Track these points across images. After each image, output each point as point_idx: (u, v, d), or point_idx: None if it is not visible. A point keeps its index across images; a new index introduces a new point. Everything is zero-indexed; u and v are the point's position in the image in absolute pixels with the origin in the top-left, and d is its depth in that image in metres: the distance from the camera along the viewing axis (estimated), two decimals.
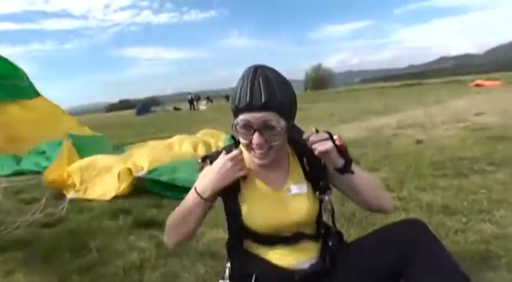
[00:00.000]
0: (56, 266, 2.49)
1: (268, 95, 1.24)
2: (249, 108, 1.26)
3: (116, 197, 4.03)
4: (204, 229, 2.94)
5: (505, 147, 4.83)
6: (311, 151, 1.31)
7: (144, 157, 4.40)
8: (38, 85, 7.73)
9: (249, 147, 1.34)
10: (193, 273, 2.25)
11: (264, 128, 1.27)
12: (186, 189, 1.49)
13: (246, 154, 1.42)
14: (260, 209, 1.39)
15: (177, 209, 1.43)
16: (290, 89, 1.33)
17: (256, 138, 1.28)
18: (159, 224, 3.13)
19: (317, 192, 1.42)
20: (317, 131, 1.27)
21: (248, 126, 1.28)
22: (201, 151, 5.59)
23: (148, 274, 2.29)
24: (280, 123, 1.27)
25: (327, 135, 1.26)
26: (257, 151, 1.32)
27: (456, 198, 3.08)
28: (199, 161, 1.49)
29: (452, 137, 6.17)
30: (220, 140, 6.50)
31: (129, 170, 4.09)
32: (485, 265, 2.00)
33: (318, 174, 1.42)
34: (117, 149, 6.79)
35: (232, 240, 1.46)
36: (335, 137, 1.28)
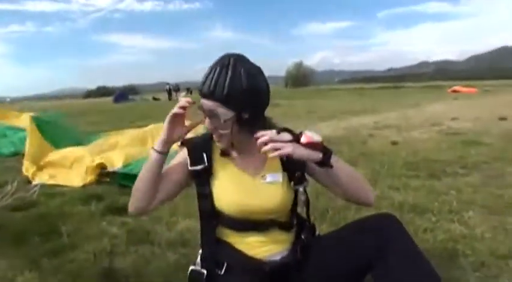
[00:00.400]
0: (26, 249, 2.44)
1: (216, 84, 1.27)
2: (201, 94, 1.32)
3: (89, 183, 3.98)
4: (176, 218, 2.93)
5: (478, 152, 4.97)
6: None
7: (119, 153, 4.33)
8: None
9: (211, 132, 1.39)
10: (164, 261, 2.24)
11: (210, 115, 1.32)
12: None
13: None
14: (233, 192, 1.40)
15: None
16: (256, 81, 1.30)
17: (206, 122, 1.35)
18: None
19: (292, 183, 1.43)
20: (278, 133, 1.22)
21: (203, 111, 1.34)
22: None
23: (119, 260, 2.26)
24: (226, 114, 1.29)
25: (286, 138, 1.22)
26: (215, 136, 1.38)
27: (427, 198, 3.15)
28: (179, 144, 1.46)
29: (427, 140, 6.31)
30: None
31: (101, 164, 4.07)
32: (453, 263, 2.05)
33: (295, 165, 1.41)
34: (88, 136, 6.64)
35: (204, 225, 1.45)
36: (304, 135, 1.25)
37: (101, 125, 10.80)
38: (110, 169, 3.98)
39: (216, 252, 1.42)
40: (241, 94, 1.28)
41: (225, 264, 1.39)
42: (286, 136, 1.22)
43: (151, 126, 6.61)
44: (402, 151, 5.34)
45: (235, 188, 1.40)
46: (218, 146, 1.41)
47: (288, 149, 1.20)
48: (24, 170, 4.41)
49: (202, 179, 1.42)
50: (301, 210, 1.51)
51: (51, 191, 3.75)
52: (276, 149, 1.19)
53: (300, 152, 1.22)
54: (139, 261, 2.25)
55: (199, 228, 1.48)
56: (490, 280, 1.87)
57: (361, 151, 5.44)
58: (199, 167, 1.41)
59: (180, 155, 1.47)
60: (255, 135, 1.23)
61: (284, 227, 1.47)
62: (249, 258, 1.40)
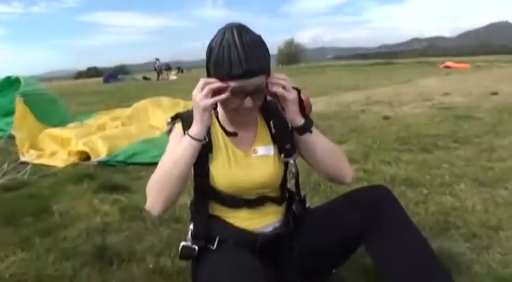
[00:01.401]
0: (18, 228, 2.42)
1: (247, 60, 1.20)
2: (245, 74, 1.20)
3: (79, 164, 3.97)
4: None
5: (470, 126, 5.00)
6: (278, 113, 1.34)
7: (104, 140, 4.26)
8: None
9: (235, 110, 1.29)
10: (157, 236, 2.23)
11: (254, 92, 1.24)
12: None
13: (221, 114, 1.38)
14: (226, 169, 1.37)
15: (156, 171, 1.30)
16: (266, 45, 1.30)
17: (248, 102, 1.25)
18: (124, 189, 3.10)
19: (282, 155, 1.41)
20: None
21: (241, 92, 1.23)
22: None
23: (112, 237, 2.26)
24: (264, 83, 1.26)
25: (293, 85, 1.27)
26: (244, 112, 1.29)
27: (419, 172, 3.17)
28: (169, 120, 1.43)
29: (419, 114, 6.32)
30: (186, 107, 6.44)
31: (84, 152, 4.05)
32: (444, 235, 2.07)
33: (285, 137, 1.41)
34: (78, 116, 6.58)
35: (197, 201, 1.43)
36: (302, 93, 1.29)
37: (92, 105, 10.67)
38: (93, 159, 3.93)
39: (207, 226, 1.40)
40: (268, 60, 1.28)
41: (217, 239, 1.37)
42: (291, 84, 1.27)
43: (135, 105, 6.55)
44: (394, 126, 5.36)
45: (230, 166, 1.38)
46: (243, 112, 1.30)
47: (293, 95, 1.26)
48: (18, 144, 4.37)
49: (201, 156, 1.34)
50: (290, 183, 1.51)
51: (43, 171, 3.71)
52: (284, 88, 1.25)
53: (295, 105, 1.28)
54: (132, 237, 2.25)
55: (190, 205, 1.47)
56: (481, 250, 1.88)
57: (353, 126, 5.44)
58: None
59: (176, 134, 1.39)
60: (269, 79, 1.25)
61: (275, 201, 1.46)
62: (240, 230, 1.39)
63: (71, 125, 5.08)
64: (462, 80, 13.25)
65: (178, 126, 1.40)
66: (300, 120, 1.30)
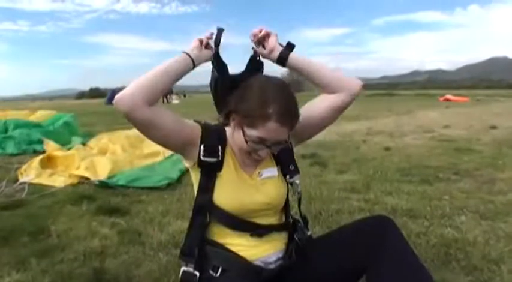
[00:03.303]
0: (14, 249, 2.39)
1: (297, 114, 1.31)
2: (281, 121, 1.25)
3: (80, 184, 3.95)
4: (168, 219, 2.91)
5: (470, 158, 5.01)
6: None
7: (106, 162, 4.28)
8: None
9: (248, 153, 1.36)
10: (156, 262, 2.21)
11: (276, 144, 1.32)
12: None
13: (235, 136, 1.37)
14: (234, 190, 1.39)
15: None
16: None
17: (264, 153, 1.33)
18: (123, 212, 3.08)
19: (287, 176, 1.45)
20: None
21: (262, 142, 1.29)
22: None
23: (110, 260, 2.22)
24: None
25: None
26: (255, 157, 1.36)
27: (420, 203, 3.16)
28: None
29: (419, 146, 6.35)
30: None
31: (83, 176, 4.06)
32: (445, 267, 2.05)
33: (287, 158, 1.46)
34: (84, 136, 6.63)
35: (195, 221, 1.40)
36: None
37: (94, 126, 10.71)
38: (92, 180, 3.91)
39: (206, 250, 1.38)
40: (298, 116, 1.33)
41: (220, 268, 1.36)
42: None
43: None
44: (395, 157, 5.37)
45: (237, 187, 1.39)
46: (255, 157, 1.36)
47: (273, 37, 1.41)
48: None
49: (210, 172, 1.38)
50: (293, 211, 1.54)
51: (40, 191, 3.69)
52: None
53: (273, 39, 1.41)
54: (130, 262, 2.22)
55: (188, 225, 1.43)
56: None
57: (354, 156, 5.45)
58: (212, 160, 1.37)
59: (195, 127, 1.38)
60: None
61: (278, 228, 1.46)
62: (244, 261, 1.37)
63: (74, 147, 5.09)
64: (462, 113, 13.36)
65: (198, 130, 1.38)
66: (278, 51, 1.40)
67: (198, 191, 1.40)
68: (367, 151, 5.99)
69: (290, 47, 1.42)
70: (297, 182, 1.46)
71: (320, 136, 6.97)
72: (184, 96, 48.87)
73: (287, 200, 1.49)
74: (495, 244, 2.31)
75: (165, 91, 1.32)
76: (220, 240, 1.40)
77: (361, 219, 1.48)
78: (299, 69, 1.42)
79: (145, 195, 3.54)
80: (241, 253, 1.38)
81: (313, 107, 1.47)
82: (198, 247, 1.37)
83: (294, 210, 1.58)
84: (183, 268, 1.39)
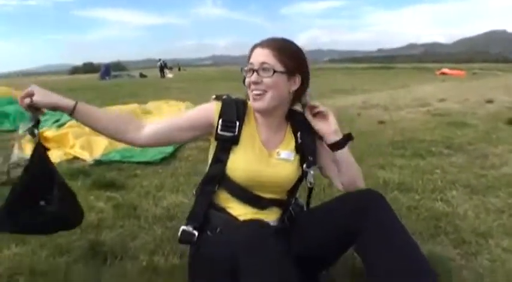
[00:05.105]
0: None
1: (271, 39, 1.47)
2: (254, 46, 1.46)
3: (75, 159, 3.97)
4: (163, 193, 2.95)
5: (464, 133, 5.04)
6: (307, 127, 1.54)
7: (101, 139, 4.24)
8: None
9: (251, 90, 1.46)
10: (151, 235, 2.24)
11: (260, 68, 1.41)
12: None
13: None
14: (249, 163, 1.48)
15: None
16: (301, 53, 1.49)
17: (253, 77, 1.42)
18: (119, 186, 3.10)
19: (304, 165, 1.53)
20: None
21: (250, 70, 1.44)
22: None
23: (106, 233, 2.26)
24: (277, 66, 1.41)
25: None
26: (254, 94, 1.45)
27: (412, 177, 3.20)
28: (214, 97, 1.60)
29: (414, 119, 6.38)
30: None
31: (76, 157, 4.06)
32: (434, 240, 2.10)
33: (309, 149, 1.54)
34: None
35: (204, 187, 1.53)
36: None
37: (89, 102, 10.58)
38: (88, 160, 3.89)
39: (207, 212, 1.49)
40: (293, 53, 1.46)
41: (218, 229, 1.46)
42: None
43: (135, 106, 6.64)
44: (389, 130, 5.40)
45: (253, 160, 1.49)
46: (254, 105, 1.47)
47: (331, 117, 1.51)
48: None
49: (225, 145, 1.49)
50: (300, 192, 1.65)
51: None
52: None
53: (334, 123, 1.52)
54: (125, 234, 2.26)
55: (195, 190, 1.58)
56: (470, 257, 1.92)
57: (348, 130, 5.43)
58: (228, 134, 1.48)
59: (209, 108, 1.52)
60: (312, 102, 1.52)
61: (280, 205, 1.56)
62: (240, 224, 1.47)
63: (67, 124, 5.06)
64: (458, 87, 13.36)
65: (216, 106, 1.51)
66: (336, 137, 1.50)
67: (211, 162, 1.52)
68: (361, 125, 6.01)
69: (349, 138, 1.55)
70: (312, 172, 1.54)
71: None
72: (179, 69, 48.38)
73: (296, 184, 1.58)
74: (485, 218, 2.36)
75: (111, 130, 1.50)
76: (223, 205, 1.52)
77: (350, 192, 1.52)
78: (341, 160, 1.53)
79: (140, 169, 3.55)
80: (240, 218, 1.49)
81: (338, 167, 1.56)
82: (203, 212, 1.49)
83: (302, 199, 1.68)
84: (183, 227, 1.49)
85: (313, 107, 1.53)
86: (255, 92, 1.44)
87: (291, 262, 1.25)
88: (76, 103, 1.41)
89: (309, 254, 1.46)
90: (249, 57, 1.47)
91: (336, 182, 1.60)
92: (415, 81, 16.89)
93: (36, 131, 1.40)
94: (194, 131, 1.52)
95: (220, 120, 1.48)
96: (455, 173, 3.31)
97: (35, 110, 1.37)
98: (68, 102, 1.40)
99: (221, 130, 1.48)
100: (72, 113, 1.40)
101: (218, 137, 1.49)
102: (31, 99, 1.34)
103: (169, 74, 33.64)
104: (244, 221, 1.44)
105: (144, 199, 2.82)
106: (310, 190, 1.63)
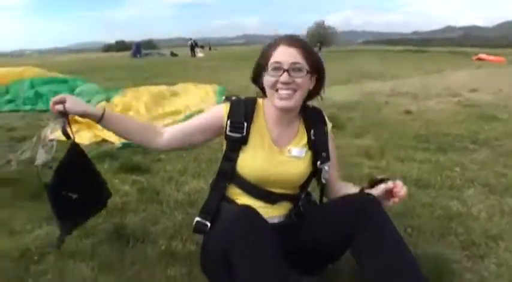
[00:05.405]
0: (45, 203, 2.57)
1: (297, 38, 1.51)
2: (282, 42, 1.47)
3: (103, 141, 4.15)
4: (186, 178, 3.07)
5: (491, 127, 4.92)
6: (320, 122, 1.61)
7: None
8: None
9: (276, 90, 1.48)
10: (171, 220, 2.38)
11: (291, 68, 1.43)
12: None
13: (267, 104, 1.59)
14: (260, 161, 1.54)
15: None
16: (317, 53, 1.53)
17: (284, 76, 1.43)
18: (144, 170, 3.25)
19: (318, 162, 1.57)
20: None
21: (279, 68, 1.44)
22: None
23: (130, 217, 2.41)
24: (305, 65, 1.45)
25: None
26: (282, 94, 1.47)
27: (430, 173, 3.20)
28: (224, 98, 1.66)
29: (442, 111, 6.24)
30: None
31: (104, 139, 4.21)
32: (443, 241, 2.14)
33: (322, 145, 1.58)
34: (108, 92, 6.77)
35: (217, 181, 1.60)
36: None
37: (118, 81, 10.86)
38: (116, 143, 4.02)
39: (219, 206, 1.57)
40: (313, 52, 1.51)
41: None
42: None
43: (163, 87, 6.79)
44: (415, 122, 5.33)
45: (263, 158, 1.54)
46: (281, 104, 1.48)
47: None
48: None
49: (235, 145, 1.55)
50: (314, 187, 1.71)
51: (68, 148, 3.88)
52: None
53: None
54: (148, 219, 2.40)
55: (211, 183, 1.66)
56: (476, 259, 1.95)
57: (373, 120, 5.45)
58: (236, 135, 1.53)
59: (218, 110, 1.58)
60: (395, 184, 1.51)
61: (291, 199, 1.61)
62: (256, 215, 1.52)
63: (99, 104, 5.26)
64: (493, 75, 12.84)
65: (225, 107, 1.57)
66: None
67: (222, 160, 1.59)
68: (387, 114, 5.96)
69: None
70: (326, 168, 1.58)
71: (342, 96, 6.96)
72: (210, 49, 48.48)
73: (309, 179, 1.63)
74: (498, 220, 2.36)
75: (137, 138, 1.62)
76: (234, 198, 1.59)
77: (350, 195, 1.59)
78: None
79: (165, 154, 3.67)
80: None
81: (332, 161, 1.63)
82: (216, 205, 1.57)
83: (315, 193, 1.74)
84: (197, 218, 1.58)
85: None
86: (284, 92, 1.45)
87: (285, 261, 1.31)
88: (104, 112, 1.51)
89: (316, 248, 1.53)
90: (269, 55, 1.48)
91: (330, 185, 1.69)
92: (450, 67, 16.31)
93: (71, 134, 1.54)
94: (206, 134, 1.61)
95: (228, 121, 1.54)
96: (476, 170, 3.28)
97: (63, 115, 1.48)
98: (97, 111, 1.50)
99: (230, 131, 1.54)
100: (100, 120, 1.51)
101: (227, 138, 1.56)
102: (64, 105, 1.45)
103: (200, 53, 33.80)
104: (242, 208, 1.48)
105: (167, 184, 2.95)
106: (323, 186, 1.66)
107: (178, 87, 7.85)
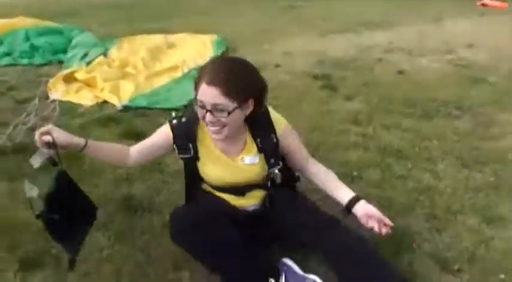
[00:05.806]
0: (51, 173, 2.80)
1: (230, 83, 1.45)
2: (207, 81, 1.45)
3: (105, 102, 4.27)
4: None
5: (477, 93, 4.96)
6: (265, 127, 1.68)
7: (128, 83, 4.58)
8: None
9: (206, 124, 1.57)
10: (172, 189, 2.62)
11: (215, 110, 1.46)
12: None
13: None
14: (216, 172, 1.72)
15: None
16: (249, 73, 1.52)
17: (207, 117, 1.49)
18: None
19: (267, 167, 1.73)
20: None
21: (203, 107, 1.49)
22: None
23: (136, 187, 2.64)
24: (228, 105, 1.44)
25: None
26: (211, 129, 1.55)
27: (411, 143, 3.38)
28: (173, 115, 1.78)
29: (434, 71, 6.29)
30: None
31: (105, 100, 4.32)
32: (410, 213, 2.42)
33: (270, 151, 1.71)
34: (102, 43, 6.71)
35: (189, 182, 1.89)
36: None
37: (113, 25, 10.60)
38: (118, 105, 4.13)
39: (197, 196, 1.86)
40: (241, 80, 1.45)
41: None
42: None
43: (161, 38, 6.82)
44: (406, 84, 5.42)
45: (219, 170, 1.72)
46: (213, 136, 1.61)
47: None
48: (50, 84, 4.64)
49: (189, 162, 1.74)
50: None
51: (71, 111, 4.01)
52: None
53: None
54: (152, 189, 2.64)
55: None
56: (435, 232, 2.25)
57: (365, 79, 5.53)
58: (186, 156, 1.71)
59: (165, 133, 1.73)
60: (367, 223, 1.64)
61: (260, 187, 1.81)
62: (227, 205, 1.79)
63: (96, 60, 5.34)
64: (495, 26, 12.52)
65: (169, 130, 1.70)
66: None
67: (184, 167, 1.83)
68: (379, 74, 6.04)
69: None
70: (276, 171, 1.75)
71: (340, 51, 6.93)
72: None
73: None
74: (461, 195, 2.61)
75: (113, 162, 1.87)
76: (208, 190, 1.84)
77: (318, 212, 1.77)
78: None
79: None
80: (224, 203, 1.81)
81: (294, 155, 1.80)
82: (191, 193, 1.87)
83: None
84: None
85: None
86: (212, 129, 1.51)
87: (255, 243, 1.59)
88: (86, 142, 1.60)
89: (287, 233, 1.75)
90: (197, 87, 1.47)
91: (305, 174, 1.87)
92: (450, 13, 15.85)
93: (58, 162, 1.53)
94: (163, 151, 1.79)
95: (175, 146, 1.70)
96: (454, 141, 3.43)
97: (49, 146, 1.48)
98: (80, 140, 1.58)
99: (179, 153, 1.72)
100: (82, 150, 1.59)
101: (180, 158, 1.76)
102: (52, 136, 1.46)
103: None
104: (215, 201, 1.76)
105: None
106: (283, 183, 1.82)
107: (175, 37, 7.77)
